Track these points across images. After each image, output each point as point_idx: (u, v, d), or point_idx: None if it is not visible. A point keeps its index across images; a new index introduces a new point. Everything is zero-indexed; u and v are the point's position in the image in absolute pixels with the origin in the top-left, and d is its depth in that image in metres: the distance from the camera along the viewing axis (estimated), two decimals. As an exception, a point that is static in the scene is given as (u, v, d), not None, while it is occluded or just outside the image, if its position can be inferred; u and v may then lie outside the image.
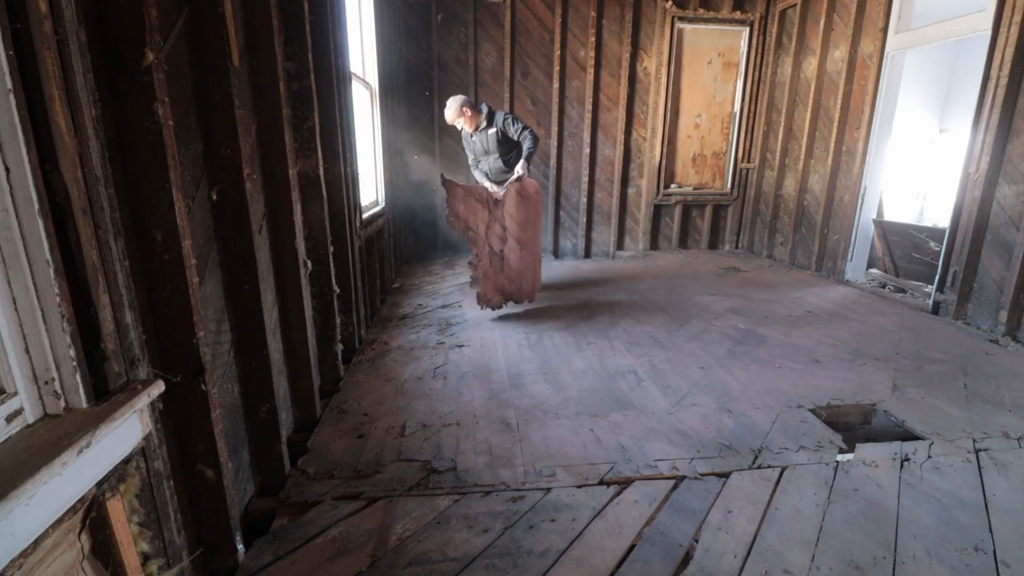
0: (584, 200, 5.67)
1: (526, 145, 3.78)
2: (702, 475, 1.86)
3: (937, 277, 3.71)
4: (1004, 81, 3.20)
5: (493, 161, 3.97)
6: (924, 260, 4.30)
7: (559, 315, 3.70)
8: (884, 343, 3.16)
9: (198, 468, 1.34)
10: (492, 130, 3.87)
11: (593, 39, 5.26)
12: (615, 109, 5.51)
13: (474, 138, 3.95)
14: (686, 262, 5.53)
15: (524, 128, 3.81)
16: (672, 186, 5.89)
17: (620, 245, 5.95)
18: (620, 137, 5.56)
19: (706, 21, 5.42)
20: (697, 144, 5.86)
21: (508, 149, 3.92)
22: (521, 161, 3.75)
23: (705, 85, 5.69)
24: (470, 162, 4.16)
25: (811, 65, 4.94)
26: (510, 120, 3.82)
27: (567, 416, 2.28)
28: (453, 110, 3.75)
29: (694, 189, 5.94)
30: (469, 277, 3.71)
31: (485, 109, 3.89)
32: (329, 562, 1.46)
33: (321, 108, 2.24)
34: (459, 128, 3.92)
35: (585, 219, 5.74)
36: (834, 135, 4.69)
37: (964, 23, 3.63)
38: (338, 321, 2.49)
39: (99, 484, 0.97)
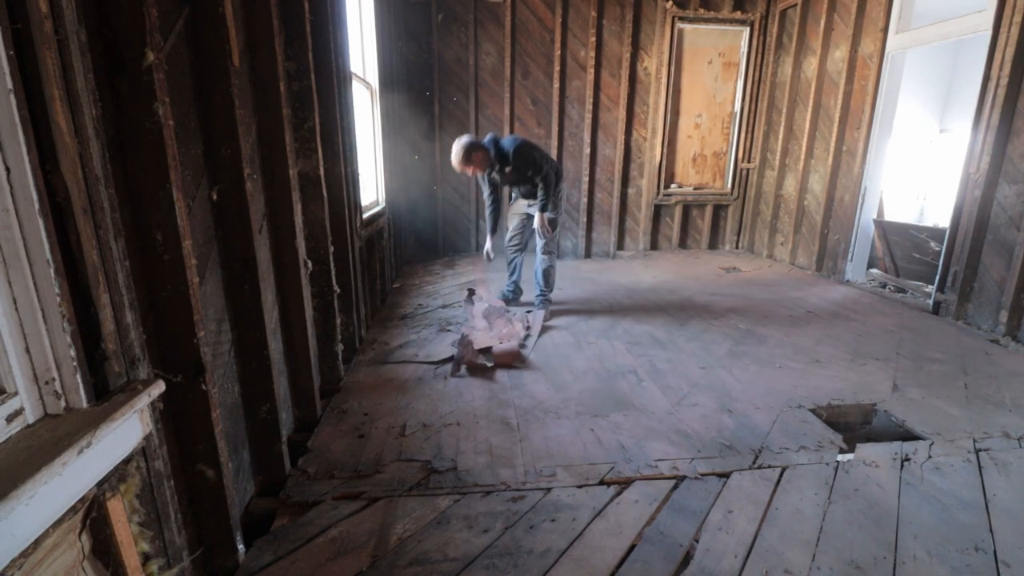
0: (584, 200, 5.67)
1: (539, 195, 3.49)
2: (702, 475, 1.86)
3: (937, 277, 3.71)
4: (1004, 81, 3.20)
5: (524, 190, 3.69)
6: (924, 260, 4.30)
7: (559, 315, 3.70)
8: (884, 343, 3.16)
9: (198, 468, 1.34)
10: (508, 168, 3.47)
11: (593, 39, 5.26)
12: (615, 109, 5.50)
13: (492, 175, 3.60)
14: (686, 262, 5.53)
15: (539, 171, 3.44)
16: (672, 186, 5.88)
17: (620, 245, 5.95)
18: (620, 137, 5.56)
19: (706, 21, 5.42)
20: (697, 144, 5.85)
21: (534, 183, 3.54)
22: (537, 215, 3.52)
23: (705, 85, 5.69)
24: (486, 196, 3.76)
25: (811, 65, 4.94)
26: (523, 162, 3.42)
27: (567, 416, 2.28)
28: (458, 158, 3.35)
29: (694, 189, 5.94)
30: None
31: (491, 146, 3.43)
32: (329, 562, 1.46)
33: (321, 108, 2.24)
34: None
35: (585, 219, 5.74)
36: (834, 135, 4.69)
37: (964, 23, 3.63)
38: (338, 321, 2.49)
39: (99, 484, 0.97)
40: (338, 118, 2.45)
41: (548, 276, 3.71)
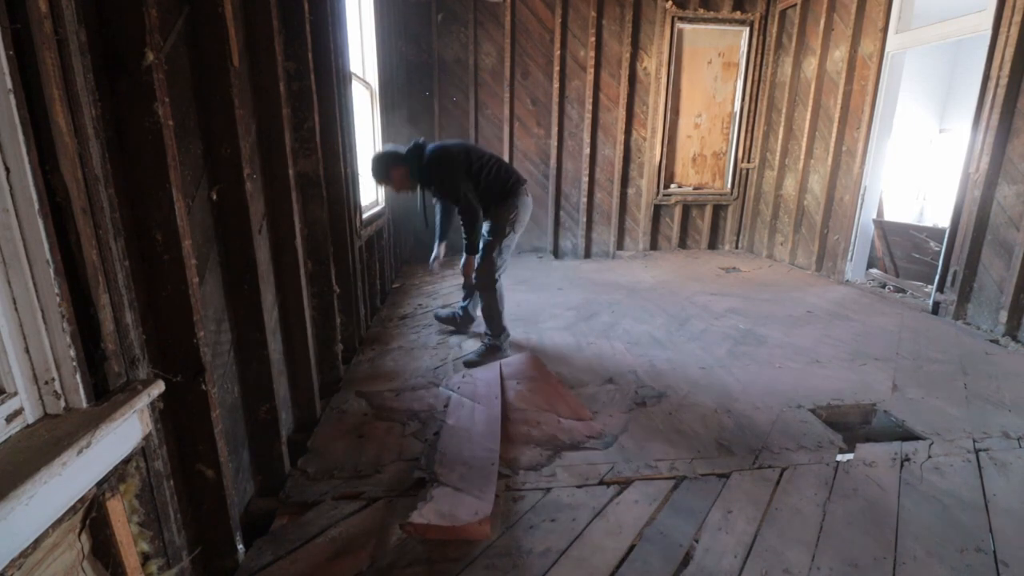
0: (584, 200, 5.67)
1: (463, 230, 2.75)
2: (702, 475, 1.86)
3: (937, 277, 3.71)
4: (1004, 81, 3.20)
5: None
6: (924, 260, 4.30)
7: (559, 315, 3.70)
8: (884, 343, 3.16)
9: (198, 468, 1.33)
10: (430, 189, 2.85)
11: (593, 39, 5.26)
12: (615, 109, 5.50)
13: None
14: (686, 262, 5.53)
15: (456, 198, 2.70)
16: (672, 186, 5.88)
17: (620, 245, 5.95)
18: (620, 137, 5.56)
19: (706, 21, 5.42)
20: (697, 144, 5.86)
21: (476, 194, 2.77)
22: (464, 258, 2.80)
23: (705, 85, 5.69)
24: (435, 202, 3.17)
25: (811, 65, 4.94)
26: (435, 180, 2.73)
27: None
28: (372, 174, 2.83)
29: (694, 189, 5.94)
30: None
31: (414, 159, 2.74)
32: (329, 562, 1.46)
33: (321, 108, 2.24)
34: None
35: (585, 219, 5.74)
36: (834, 135, 4.69)
37: (964, 23, 3.63)
38: (338, 321, 2.49)
39: (99, 484, 0.97)
40: (338, 118, 2.44)
41: (490, 318, 2.88)
